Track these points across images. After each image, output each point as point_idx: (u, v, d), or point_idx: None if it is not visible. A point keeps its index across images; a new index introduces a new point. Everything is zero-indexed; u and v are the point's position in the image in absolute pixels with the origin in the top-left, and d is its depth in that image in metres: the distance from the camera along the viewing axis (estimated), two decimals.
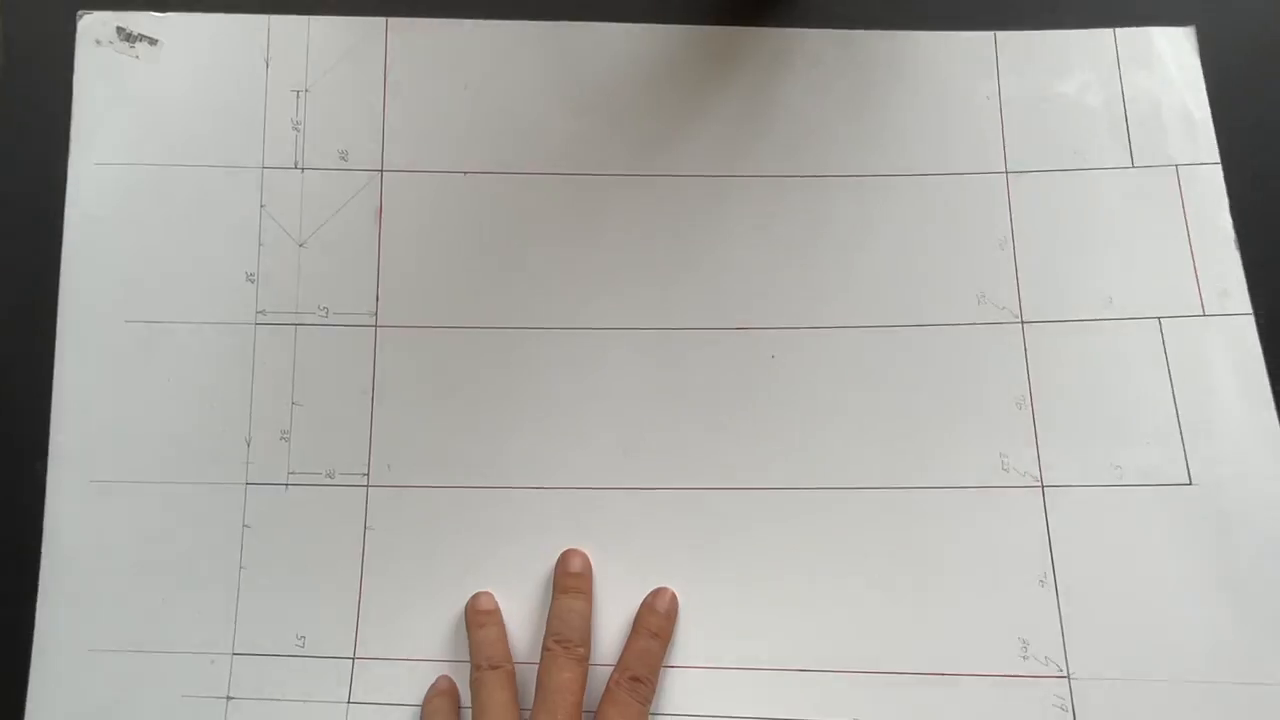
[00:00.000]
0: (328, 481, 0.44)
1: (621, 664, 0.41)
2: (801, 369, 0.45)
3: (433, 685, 0.42)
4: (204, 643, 0.43)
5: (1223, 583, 0.42)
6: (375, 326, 0.45)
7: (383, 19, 0.47)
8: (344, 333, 0.45)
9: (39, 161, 0.46)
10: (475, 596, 0.43)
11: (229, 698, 0.43)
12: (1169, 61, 0.47)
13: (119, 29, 0.46)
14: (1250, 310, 0.45)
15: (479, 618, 0.42)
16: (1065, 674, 0.42)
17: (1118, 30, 0.47)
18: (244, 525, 0.44)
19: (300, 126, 0.46)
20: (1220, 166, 0.46)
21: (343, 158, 0.46)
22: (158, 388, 0.45)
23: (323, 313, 0.45)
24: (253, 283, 0.46)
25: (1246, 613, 0.42)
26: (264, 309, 0.45)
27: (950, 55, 0.47)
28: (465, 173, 0.46)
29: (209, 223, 0.46)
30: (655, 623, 0.42)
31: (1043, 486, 0.44)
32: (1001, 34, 0.47)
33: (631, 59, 0.47)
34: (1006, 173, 0.46)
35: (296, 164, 0.46)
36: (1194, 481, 0.43)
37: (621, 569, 0.43)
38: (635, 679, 0.41)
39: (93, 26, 0.46)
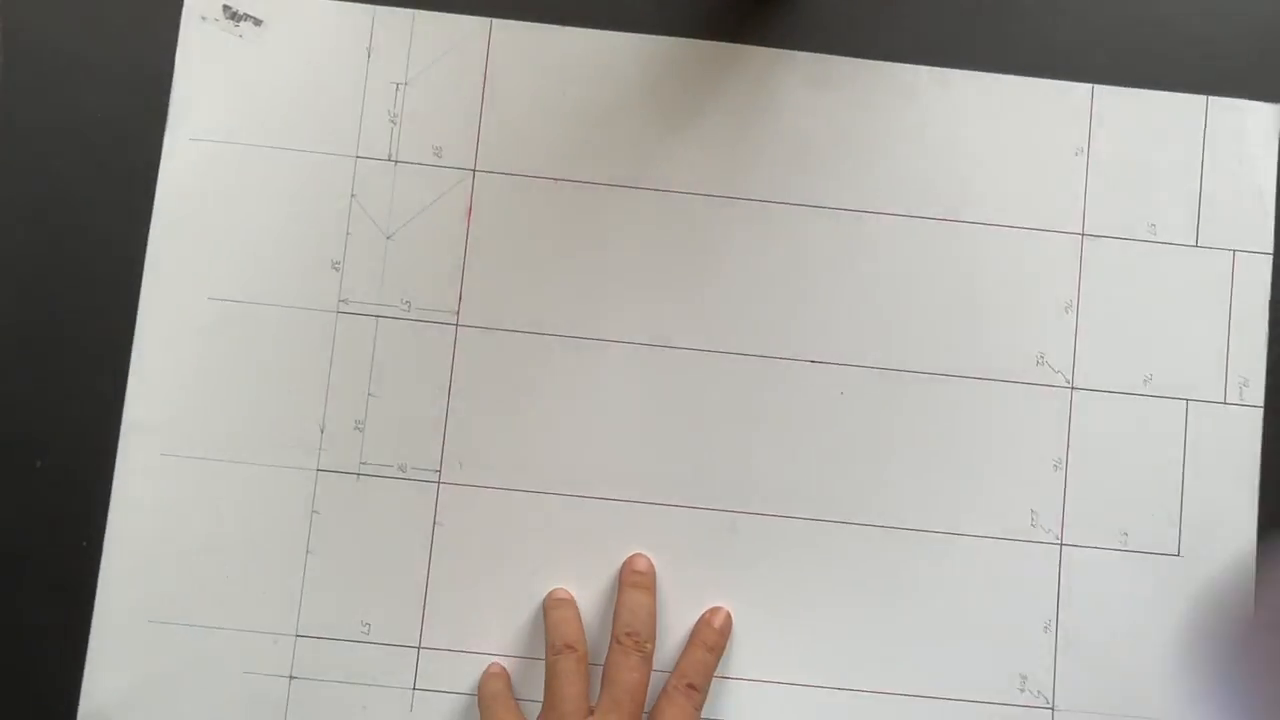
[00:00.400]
0: (399, 474, 0.45)
1: (679, 671, 0.43)
2: (867, 408, 0.46)
3: (486, 670, 0.43)
4: (267, 623, 0.44)
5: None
6: (456, 325, 0.46)
7: (487, 19, 0.47)
8: (425, 328, 0.46)
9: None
10: (552, 590, 0.44)
11: (291, 677, 0.44)
12: (1251, 137, 0.47)
13: (225, 7, 0.47)
14: (1262, 404, 0.46)
15: (555, 603, 0.44)
16: (1051, 706, 0.45)
17: (1210, 99, 0.47)
18: (313, 511, 0.45)
19: (397, 119, 0.46)
20: (1272, 257, 0.47)
21: (436, 154, 0.46)
22: (235, 367, 0.45)
23: (405, 306, 0.46)
24: (337, 271, 0.46)
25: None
26: (346, 298, 0.46)
27: (1044, 102, 0.47)
28: (556, 179, 0.46)
29: (298, 207, 0.46)
30: (711, 637, 0.44)
31: (1061, 545, 0.45)
32: (1100, 87, 0.47)
33: (726, 77, 0.47)
34: (1083, 235, 0.47)
35: (390, 156, 0.46)
36: (1181, 553, 0.46)
37: (683, 583, 0.44)
38: (691, 686, 0.43)
39: (199, 3, 0.47)
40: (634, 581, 0.44)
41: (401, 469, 0.45)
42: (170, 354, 0.45)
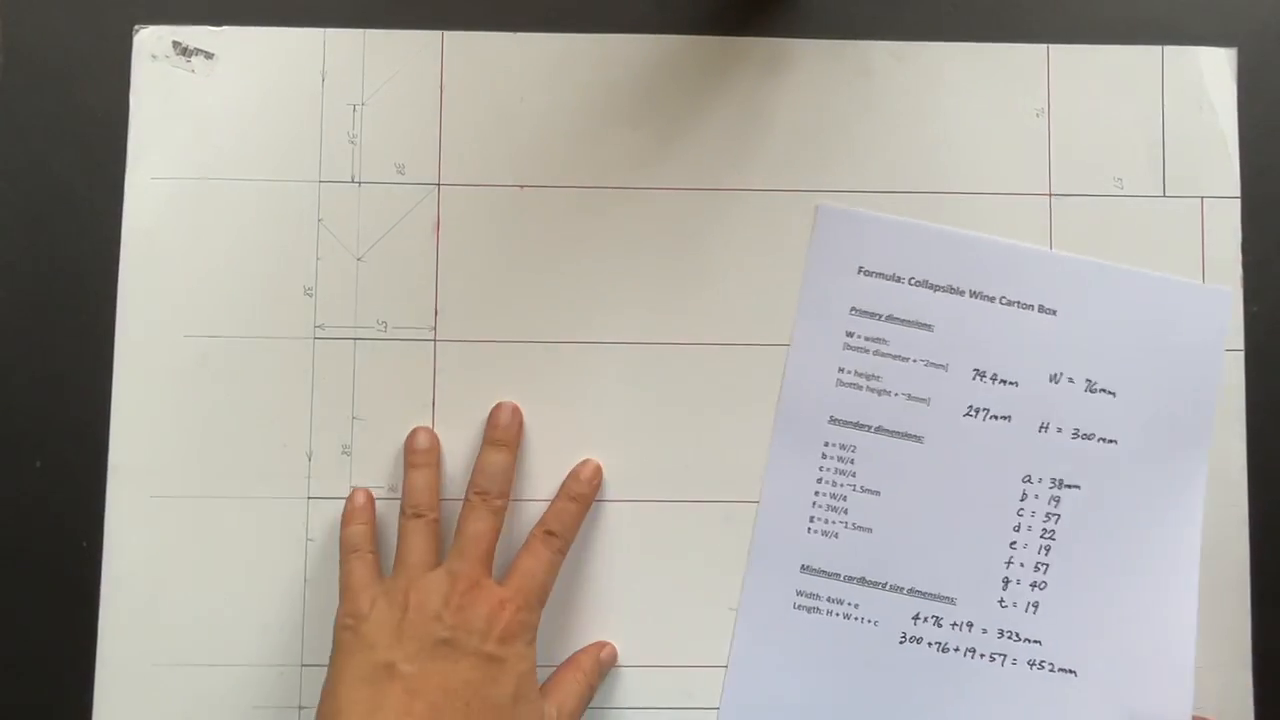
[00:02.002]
0: (390, 495, 0.45)
1: (541, 519, 0.44)
2: None
3: (349, 504, 0.45)
4: (272, 655, 0.44)
5: None
6: (434, 340, 0.46)
7: (439, 32, 0.47)
8: (403, 347, 0.46)
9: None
10: (414, 432, 0.45)
11: (300, 707, 0.43)
12: (1209, 83, 0.47)
13: (175, 43, 0.46)
14: (1242, 348, 0.46)
15: (414, 457, 0.45)
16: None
17: (1165, 48, 0.47)
18: (307, 539, 0.44)
19: (357, 140, 0.46)
20: (1239, 200, 0.47)
21: (400, 171, 0.46)
22: (218, 402, 0.45)
23: (381, 327, 0.46)
24: (311, 296, 0.46)
25: None
26: (322, 323, 0.46)
27: (1000, 67, 0.47)
28: (522, 186, 0.46)
29: (266, 237, 0.46)
30: (576, 487, 0.45)
31: None
32: (1055, 47, 0.47)
33: (689, 70, 0.47)
34: (1050, 195, 0.47)
35: (353, 178, 0.46)
36: None
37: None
38: (550, 533, 0.44)
39: (148, 41, 0.46)
40: (493, 439, 0.45)
41: (392, 489, 0.45)
42: (151, 395, 0.45)
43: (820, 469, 0.45)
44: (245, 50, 0.47)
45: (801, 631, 0.45)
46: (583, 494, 0.45)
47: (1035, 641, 0.44)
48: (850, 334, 0.45)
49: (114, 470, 0.45)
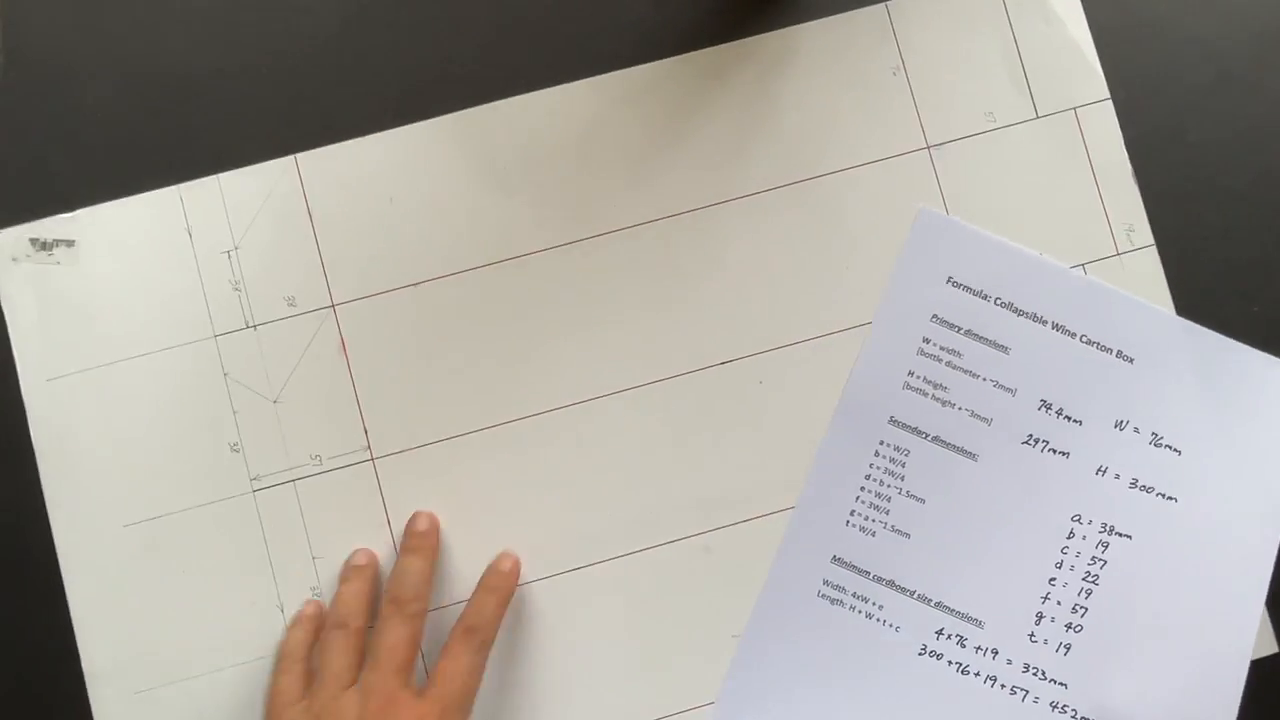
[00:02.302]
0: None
1: (460, 618, 0.43)
2: (788, 391, 0.46)
3: (298, 614, 0.44)
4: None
5: None
6: (372, 460, 0.45)
7: (290, 157, 0.46)
8: (343, 475, 0.45)
9: None
10: (355, 552, 0.45)
11: None
12: (1053, 2, 0.47)
13: (32, 240, 0.45)
14: (1152, 240, 0.46)
15: (344, 571, 0.44)
16: None
17: None
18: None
19: (240, 285, 0.46)
20: (1110, 101, 0.47)
21: (291, 304, 0.45)
22: (175, 582, 0.44)
23: (316, 461, 0.45)
24: (238, 452, 0.45)
25: None
26: (257, 474, 0.45)
27: (845, 38, 0.47)
28: (416, 284, 0.46)
29: (179, 406, 0.45)
30: (495, 581, 0.44)
31: None
32: (892, 3, 0.47)
33: (546, 126, 0.46)
34: (928, 147, 0.47)
35: (247, 323, 0.45)
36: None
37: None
38: (469, 629, 0.42)
39: (6, 245, 0.45)
40: (407, 546, 0.44)
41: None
42: (107, 594, 0.44)
43: (871, 466, 0.45)
44: (105, 229, 0.46)
45: (821, 621, 0.44)
46: (501, 586, 0.44)
47: (1061, 684, 0.44)
48: (927, 340, 0.45)
49: (91, 678, 0.44)
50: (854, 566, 0.45)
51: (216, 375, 0.45)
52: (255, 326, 0.45)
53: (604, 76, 0.47)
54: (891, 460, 0.45)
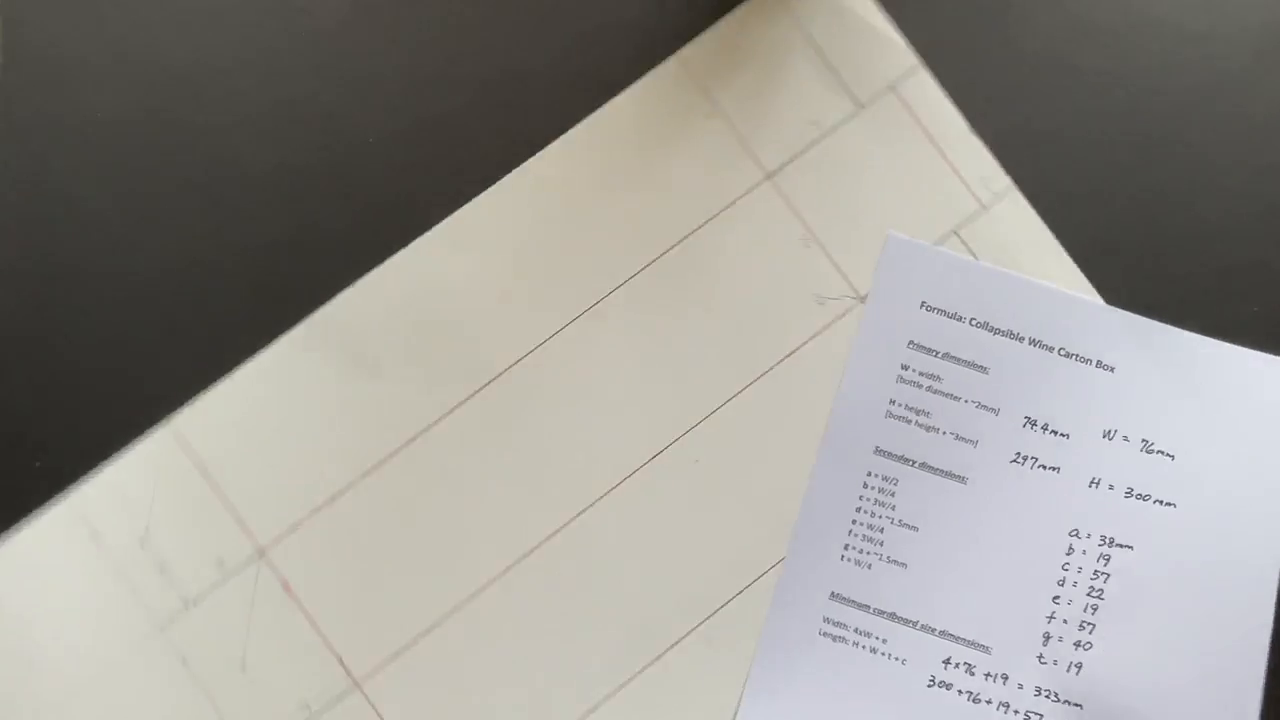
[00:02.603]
0: None
1: None
2: (718, 463, 0.45)
3: None
4: None
5: None
6: (360, 690, 0.44)
7: (166, 423, 0.45)
8: (337, 714, 0.44)
9: None
10: None
11: None
12: None
13: None
14: (1012, 182, 0.46)
15: None
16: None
17: None
18: None
19: (165, 568, 0.44)
20: (926, 69, 0.47)
21: (221, 565, 0.44)
22: None
23: (306, 710, 0.44)
24: None
25: None
26: None
27: (651, 101, 0.46)
28: (333, 499, 0.44)
29: (152, 715, 0.44)
30: None
31: None
32: (685, 50, 0.46)
33: (399, 299, 0.45)
34: (769, 176, 0.46)
35: (186, 604, 0.44)
36: None
37: None
38: None
39: None
40: None
41: None
42: None
43: (860, 498, 0.44)
44: (12, 559, 0.44)
45: (826, 660, 0.44)
46: None
47: (1076, 705, 0.43)
48: (905, 367, 0.45)
49: None
50: (853, 601, 0.44)
51: (176, 669, 0.43)
52: (196, 604, 0.44)
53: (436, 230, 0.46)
54: (880, 490, 0.44)
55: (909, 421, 0.45)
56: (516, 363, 0.45)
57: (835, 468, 0.45)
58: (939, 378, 0.45)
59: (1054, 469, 0.44)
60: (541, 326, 0.45)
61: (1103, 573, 0.44)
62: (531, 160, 0.46)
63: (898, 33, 0.46)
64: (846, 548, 0.44)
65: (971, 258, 0.45)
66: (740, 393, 0.45)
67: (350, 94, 0.46)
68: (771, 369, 0.45)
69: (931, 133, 0.46)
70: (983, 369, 0.45)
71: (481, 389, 0.45)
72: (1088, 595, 0.44)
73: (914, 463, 0.45)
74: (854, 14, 0.46)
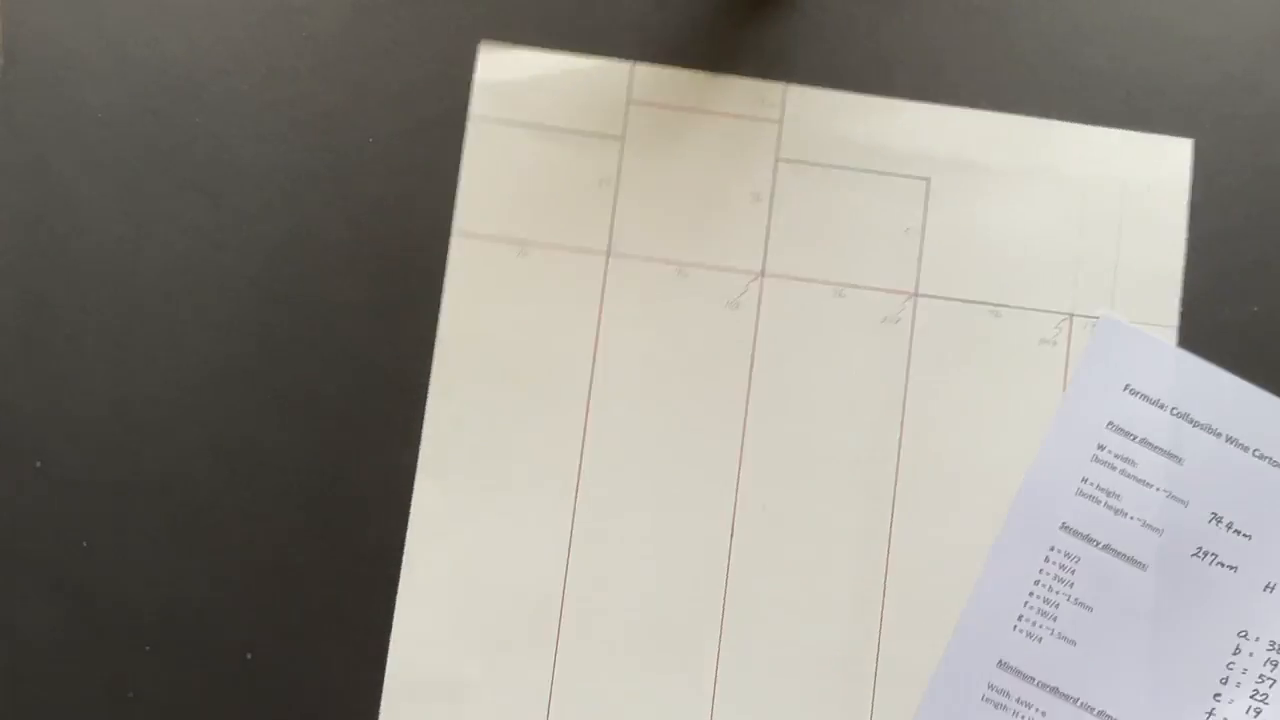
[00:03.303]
0: None
1: None
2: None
3: None
4: None
5: None
6: None
7: None
8: None
9: None
10: None
11: None
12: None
13: None
14: None
15: None
16: None
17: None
18: None
19: None
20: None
21: None
22: None
23: None
24: None
25: None
26: None
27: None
28: None
29: None
30: None
31: None
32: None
33: None
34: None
35: None
36: None
37: None
38: None
39: None
40: None
41: None
42: None
43: (1041, 571, 0.44)
44: None
45: None
46: None
47: None
48: (1102, 447, 0.45)
49: None
50: (1019, 672, 0.44)
51: None
52: None
53: None
54: (1061, 566, 0.44)
55: (1098, 502, 0.45)
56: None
57: (1020, 538, 0.44)
58: (1134, 462, 0.45)
59: (1231, 568, 0.44)
60: None
61: (1269, 678, 0.44)
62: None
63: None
64: (1020, 618, 0.44)
65: (1180, 348, 0.45)
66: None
67: (350, 94, 0.46)
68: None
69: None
70: (1178, 459, 0.45)
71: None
72: (1251, 698, 0.44)
73: (1098, 544, 0.44)
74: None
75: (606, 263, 0.43)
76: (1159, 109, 0.45)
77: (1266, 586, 0.44)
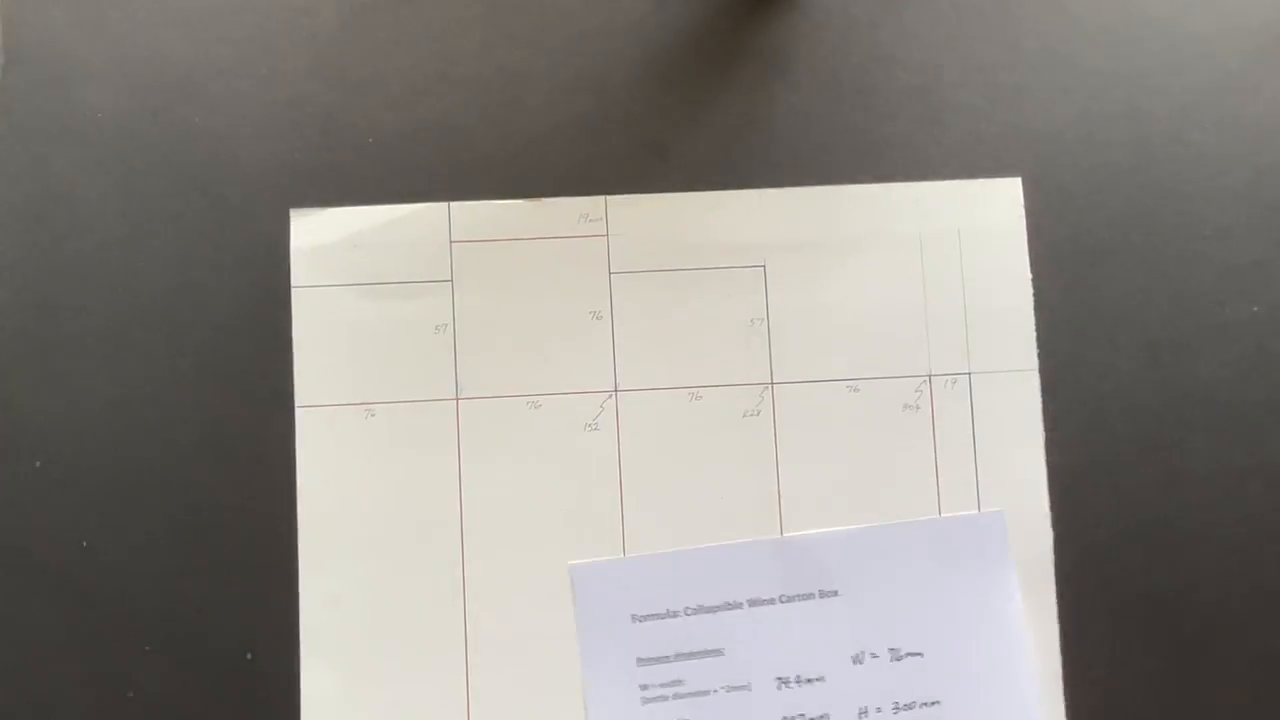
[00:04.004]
0: None
1: None
2: None
3: None
4: None
5: None
6: None
7: None
8: None
9: None
10: None
11: None
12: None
13: None
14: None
15: None
16: None
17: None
18: None
19: None
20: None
21: None
22: None
23: None
24: None
25: None
26: None
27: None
28: None
29: None
30: None
31: None
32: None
33: None
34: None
35: None
36: None
37: None
38: None
39: None
40: None
41: None
42: None
43: None
44: None
45: None
46: None
47: None
48: (644, 686, 0.42)
49: None
50: None
51: None
52: None
53: None
54: None
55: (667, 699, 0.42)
56: None
57: None
58: (681, 680, 0.42)
59: (823, 717, 0.42)
60: None
61: None
62: None
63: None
64: None
65: (652, 552, 0.42)
66: None
67: (350, 94, 0.46)
68: None
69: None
70: (717, 652, 0.42)
71: None
72: None
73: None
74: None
75: (457, 407, 0.42)
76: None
77: (860, 712, 0.43)
